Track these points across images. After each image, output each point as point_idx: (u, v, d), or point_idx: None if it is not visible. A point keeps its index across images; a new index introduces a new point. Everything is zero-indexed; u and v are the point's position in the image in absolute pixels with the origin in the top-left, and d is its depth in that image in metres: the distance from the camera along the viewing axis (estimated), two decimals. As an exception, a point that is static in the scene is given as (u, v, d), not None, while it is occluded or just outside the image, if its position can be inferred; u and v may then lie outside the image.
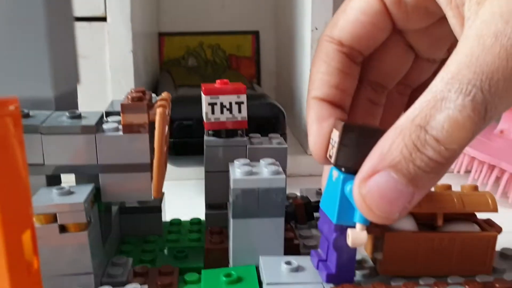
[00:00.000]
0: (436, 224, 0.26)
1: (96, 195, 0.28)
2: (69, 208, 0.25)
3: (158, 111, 0.27)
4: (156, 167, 0.27)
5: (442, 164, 0.19)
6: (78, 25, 0.46)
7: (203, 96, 0.34)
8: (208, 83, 0.35)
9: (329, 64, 0.25)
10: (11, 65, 0.14)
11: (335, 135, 0.23)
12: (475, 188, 0.27)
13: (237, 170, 0.27)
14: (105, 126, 0.28)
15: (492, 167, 0.43)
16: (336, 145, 0.23)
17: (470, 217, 0.27)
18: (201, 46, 0.67)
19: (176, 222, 0.37)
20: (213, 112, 0.34)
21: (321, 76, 0.25)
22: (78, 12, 0.44)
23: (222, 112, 0.34)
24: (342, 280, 0.25)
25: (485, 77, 0.18)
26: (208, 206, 0.35)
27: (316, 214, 0.35)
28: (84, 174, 0.29)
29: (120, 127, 0.28)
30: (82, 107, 0.28)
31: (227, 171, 0.32)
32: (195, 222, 0.37)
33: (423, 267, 0.26)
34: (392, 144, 0.19)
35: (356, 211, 0.22)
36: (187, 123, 0.43)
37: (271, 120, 0.44)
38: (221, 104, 0.34)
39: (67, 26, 0.14)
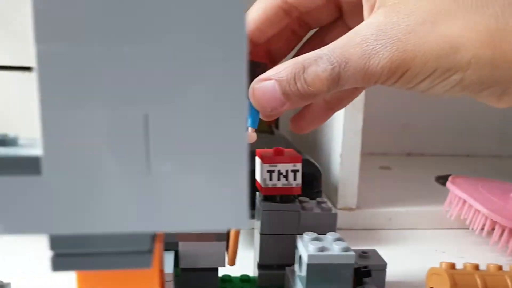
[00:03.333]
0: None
1: (174, 261, 0.30)
2: (158, 278, 0.27)
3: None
4: (233, 237, 0.30)
5: (304, 95, 0.27)
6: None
7: (261, 163, 0.36)
8: (262, 149, 0.37)
9: (265, 11, 0.32)
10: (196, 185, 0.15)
11: None
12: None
13: (310, 246, 0.29)
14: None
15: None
16: None
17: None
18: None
19: (227, 279, 0.39)
20: (270, 179, 0.36)
21: (256, 13, 0.33)
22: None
23: (278, 179, 0.36)
24: None
25: (345, 61, 0.26)
26: (259, 265, 0.37)
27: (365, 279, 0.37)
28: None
29: (201, 199, 0.30)
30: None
31: (281, 234, 0.35)
32: (245, 279, 0.39)
33: None
34: (286, 68, 0.27)
35: (249, 119, 0.30)
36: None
37: (308, 177, 0.47)
38: (278, 171, 0.36)
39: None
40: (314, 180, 0.47)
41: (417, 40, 0.25)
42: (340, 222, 0.52)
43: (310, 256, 0.29)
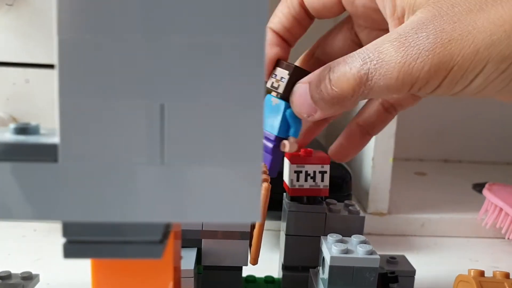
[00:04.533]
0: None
1: (196, 258, 0.30)
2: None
3: (264, 185, 0.29)
4: (256, 236, 0.30)
5: (328, 99, 0.26)
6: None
7: (289, 163, 0.36)
8: (291, 149, 0.37)
9: (290, 11, 0.31)
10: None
11: (281, 72, 0.30)
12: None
13: (334, 248, 0.29)
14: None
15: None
16: (285, 81, 0.29)
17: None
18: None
19: (251, 279, 0.38)
20: (298, 180, 0.36)
21: (281, 15, 0.32)
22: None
23: (306, 180, 0.36)
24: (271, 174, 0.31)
25: (378, 55, 0.24)
26: (284, 267, 0.37)
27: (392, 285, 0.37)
28: (185, 238, 0.31)
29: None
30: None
31: (307, 236, 0.34)
32: (269, 280, 0.38)
33: None
34: (317, 70, 0.27)
35: (291, 128, 0.30)
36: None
37: (338, 180, 0.46)
38: (306, 172, 0.36)
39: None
40: (344, 183, 0.47)
41: (463, 28, 0.23)
42: (370, 227, 0.51)
43: (332, 258, 0.28)
